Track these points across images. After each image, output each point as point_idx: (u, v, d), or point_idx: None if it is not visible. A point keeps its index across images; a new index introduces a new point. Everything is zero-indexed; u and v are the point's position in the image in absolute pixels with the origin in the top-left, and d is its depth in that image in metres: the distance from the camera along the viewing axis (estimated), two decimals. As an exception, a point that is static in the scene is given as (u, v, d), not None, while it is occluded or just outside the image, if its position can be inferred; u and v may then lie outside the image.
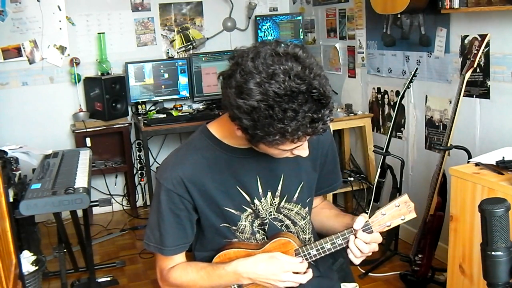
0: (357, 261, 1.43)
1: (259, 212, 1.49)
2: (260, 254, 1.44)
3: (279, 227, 1.53)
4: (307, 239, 1.59)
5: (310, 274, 1.44)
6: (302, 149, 1.33)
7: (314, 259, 1.46)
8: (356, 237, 1.40)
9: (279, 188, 1.50)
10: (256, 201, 1.48)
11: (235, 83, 1.22)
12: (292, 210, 1.53)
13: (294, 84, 1.17)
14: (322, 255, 1.45)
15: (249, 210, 1.48)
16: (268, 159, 1.43)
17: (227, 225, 1.48)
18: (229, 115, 1.29)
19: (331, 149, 1.60)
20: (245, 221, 1.48)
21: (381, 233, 1.43)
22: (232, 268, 1.42)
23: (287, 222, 1.54)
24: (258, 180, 1.47)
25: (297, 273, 1.43)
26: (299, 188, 1.53)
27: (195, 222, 1.49)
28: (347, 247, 1.43)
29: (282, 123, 1.18)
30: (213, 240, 1.51)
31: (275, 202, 1.50)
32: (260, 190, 1.48)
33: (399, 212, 1.41)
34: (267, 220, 1.51)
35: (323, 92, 1.20)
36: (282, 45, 1.23)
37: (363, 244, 1.40)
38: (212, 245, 1.52)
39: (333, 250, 1.45)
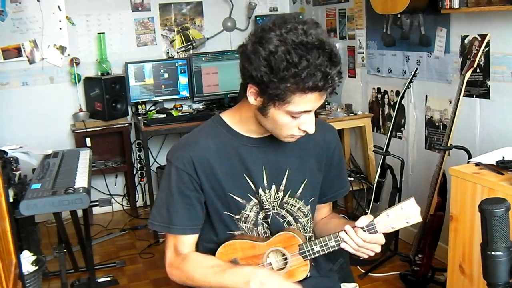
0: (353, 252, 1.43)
1: (263, 203, 1.50)
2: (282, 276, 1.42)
3: (281, 223, 1.54)
4: (307, 237, 1.59)
5: None
6: (309, 123, 1.36)
7: (317, 255, 1.46)
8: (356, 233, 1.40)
9: (284, 182, 1.51)
10: (261, 191, 1.49)
11: (255, 38, 1.33)
12: (294, 206, 1.54)
13: (310, 39, 1.27)
14: (326, 252, 1.45)
15: (255, 200, 1.49)
16: (275, 151, 1.47)
17: (231, 214, 1.49)
18: (245, 75, 1.35)
19: (338, 151, 1.61)
20: (250, 211, 1.50)
21: (384, 234, 1.43)
22: (249, 268, 1.40)
23: (289, 218, 1.55)
24: (264, 170, 1.49)
25: None
26: (303, 185, 1.54)
27: (203, 204, 1.49)
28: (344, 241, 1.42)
29: (296, 68, 1.25)
30: (216, 229, 1.52)
31: (278, 197, 1.52)
32: (265, 181, 1.49)
33: (404, 215, 1.41)
34: (270, 213, 1.52)
35: (335, 52, 1.30)
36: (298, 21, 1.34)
37: (358, 240, 1.40)
38: (215, 235, 1.53)
39: (336, 248, 1.44)
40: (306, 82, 1.26)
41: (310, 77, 1.26)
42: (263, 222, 1.52)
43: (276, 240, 1.48)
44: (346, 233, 1.41)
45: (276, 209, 1.53)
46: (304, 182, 1.54)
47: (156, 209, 1.50)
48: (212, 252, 1.51)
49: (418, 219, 1.42)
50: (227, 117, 1.51)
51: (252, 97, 1.36)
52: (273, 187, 1.51)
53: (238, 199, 1.48)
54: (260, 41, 1.30)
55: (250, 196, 1.49)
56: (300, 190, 1.54)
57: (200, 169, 1.44)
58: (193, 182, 1.45)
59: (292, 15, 1.36)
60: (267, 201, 1.51)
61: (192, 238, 1.50)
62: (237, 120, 1.48)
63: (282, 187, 1.52)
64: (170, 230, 1.47)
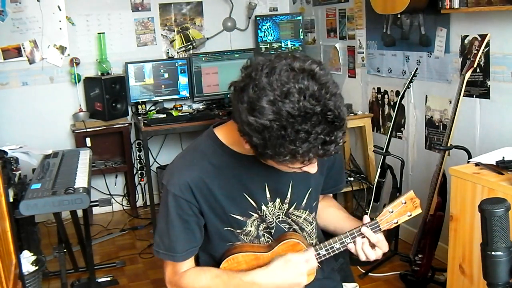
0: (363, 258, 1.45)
1: (266, 217, 1.48)
2: (275, 262, 1.40)
3: (286, 230, 1.52)
4: (312, 244, 1.58)
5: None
6: (311, 167, 1.30)
7: (323, 258, 1.46)
8: (363, 236, 1.42)
9: (288, 195, 1.48)
10: (263, 207, 1.46)
11: (247, 98, 1.17)
12: (300, 217, 1.53)
13: (309, 105, 1.13)
14: (332, 254, 1.46)
15: (255, 215, 1.47)
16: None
17: (232, 229, 1.47)
18: (238, 129, 1.25)
19: (339, 153, 1.60)
20: (251, 226, 1.47)
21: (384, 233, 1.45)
22: (250, 278, 1.38)
23: (295, 227, 1.53)
24: (267, 187, 1.45)
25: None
26: (307, 195, 1.52)
27: (203, 227, 1.47)
28: (355, 250, 1.44)
29: (293, 145, 1.14)
30: (217, 244, 1.50)
31: (284, 208, 1.50)
32: (268, 196, 1.46)
33: (405, 208, 1.44)
34: (274, 224, 1.50)
35: (337, 114, 1.16)
36: (299, 60, 1.19)
37: (369, 249, 1.41)
38: (215, 248, 1.51)
39: (342, 250, 1.45)
40: (304, 156, 1.17)
41: (309, 150, 1.16)
42: (264, 233, 1.50)
43: (280, 249, 1.47)
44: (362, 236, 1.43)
45: (282, 217, 1.50)
46: (309, 192, 1.52)
47: (158, 236, 1.47)
48: (210, 263, 1.51)
49: (418, 210, 1.46)
50: (223, 135, 1.42)
51: (248, 145, 1.25)
52: (278, 200, 1.48)
53: (239, 217, 1.45)
54: (252, 108, 1.15)
55: (251, 213, 1.46)
56: (305, 201, 1.52)
57: (198, 193, 1.38)
58: (192, 207, 1.40)
59: (290, 59, 1.18)
60: (270, 213, 1.48)
61: (191, 259, 1.49)
62: (234, 141, 1.39)
63: (287, 200, 1.49)
64: (174, 258, 1.45)
